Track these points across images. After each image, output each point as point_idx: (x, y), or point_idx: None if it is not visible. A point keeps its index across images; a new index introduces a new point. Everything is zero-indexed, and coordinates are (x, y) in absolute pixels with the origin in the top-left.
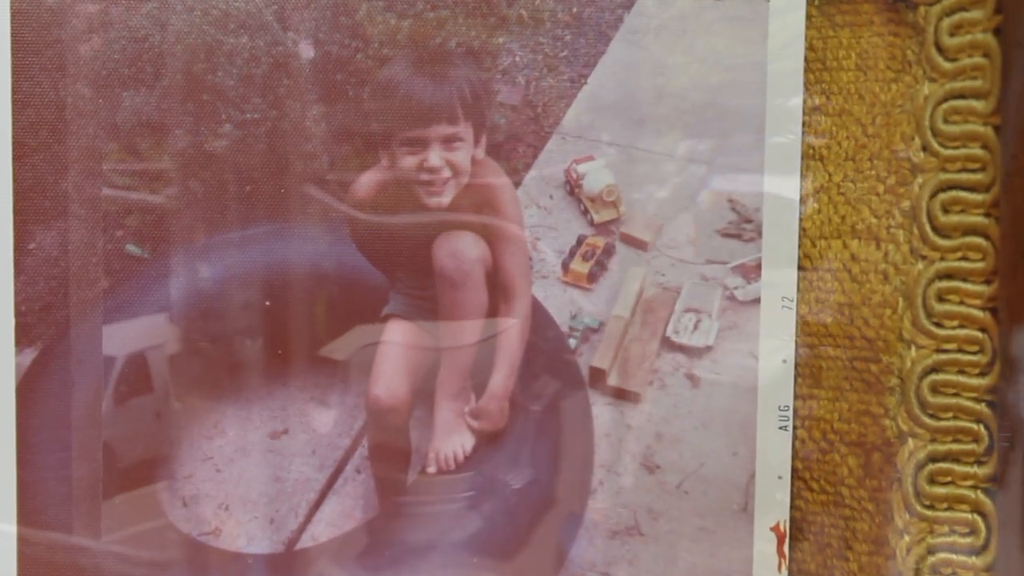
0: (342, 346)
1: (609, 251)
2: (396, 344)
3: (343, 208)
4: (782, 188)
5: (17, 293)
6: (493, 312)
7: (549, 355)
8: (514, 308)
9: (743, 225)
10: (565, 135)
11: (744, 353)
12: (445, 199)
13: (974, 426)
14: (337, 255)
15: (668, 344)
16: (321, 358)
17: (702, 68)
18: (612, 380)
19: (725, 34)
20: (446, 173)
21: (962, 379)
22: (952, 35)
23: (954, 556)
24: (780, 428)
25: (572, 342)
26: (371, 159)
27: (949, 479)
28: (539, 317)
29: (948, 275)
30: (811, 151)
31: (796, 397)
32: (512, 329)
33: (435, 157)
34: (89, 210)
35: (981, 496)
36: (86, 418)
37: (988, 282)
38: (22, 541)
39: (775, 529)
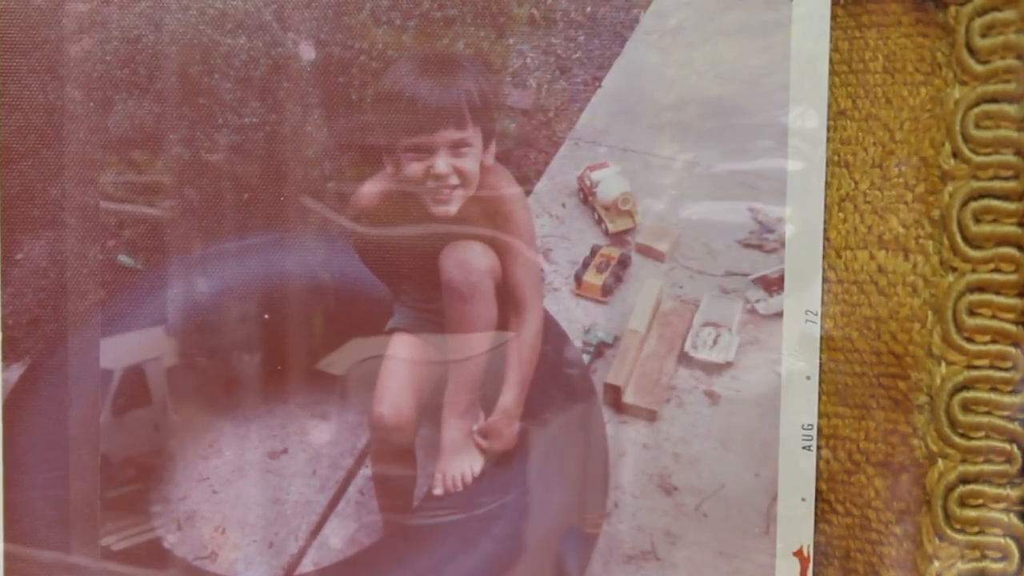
0: (343, 361)
1: (624, 262)
2: (401, 359)
3: (345, 219)
4: (806, 196)
5: (4, 306)
6: (503, 326)
7: (561, 371)
8: (525, 322)
9: (765, 235)
10: (578, 140)
11: (766, 369)
12: (452, 208)
13: (1007, 446)
14: (339, 266)
15: (686, 360)
16: (322, 374)
17: (723, 70)
18: (627, 397)
19: (747, 35)
20: (453, 180)
21: (994, 397)
22: (984, 36)
23: None
24: (804, 448)
25: (586, 357)
26: (375, 166)
27: (980, 501)
28: (551, 331)
29: (980, 288)
30: (836, 158)
31: (820, 415)
32: (523, 344)
33: (442, 164)
34: (80, 219)
35: (1014, 519)
36: (82, 436)
37: (1021, 295)
38: (9, 559)
39: (798, 554)
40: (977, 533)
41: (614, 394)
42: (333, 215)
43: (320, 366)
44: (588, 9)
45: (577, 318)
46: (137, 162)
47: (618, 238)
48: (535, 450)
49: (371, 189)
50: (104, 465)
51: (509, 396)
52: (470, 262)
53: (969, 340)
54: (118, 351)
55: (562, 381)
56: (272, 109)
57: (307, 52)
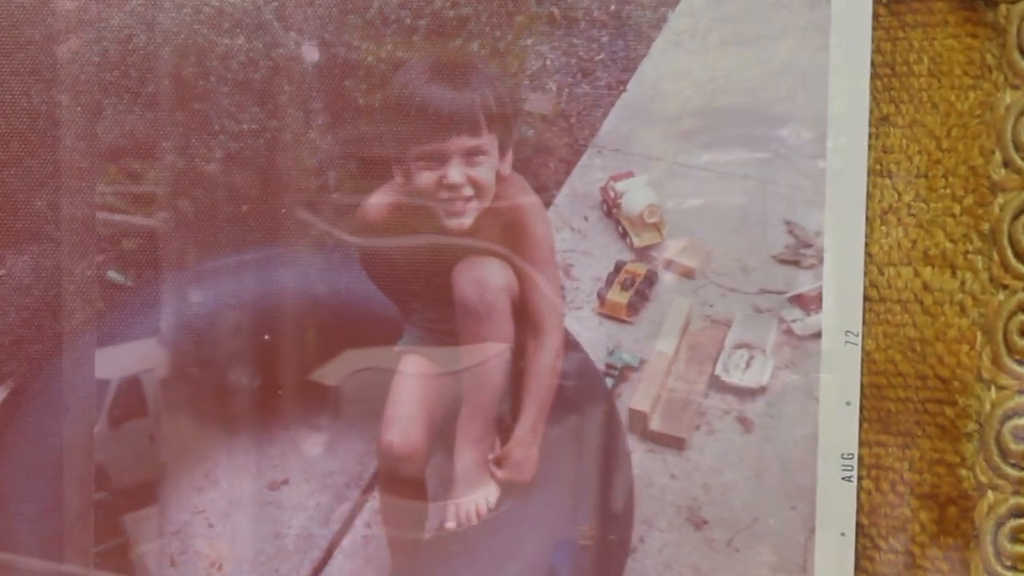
0: (350, 385)
1: (651, 279)
2: (411, 383)
3: (351, 232)
4: (846, 208)
5: None
6: (520, 348)
7: (583, 396)
8: (543, 343)
9: (802, 250)
10: (601, 148)
11: (803, 394)
12: (467, 220)
13: None
14: (345, 283)
15: (717, 384)
16: (327, 400)
17: (757, 73)
18: (654, 424)
19: (783, 36)
20: (468, 191)
21: None
22: None
23: None
24: (843, 479)
25: (609, 381)
26: (383, 176)
27: None
28: (572, 353)
29: None
30: (878, 167)
31: (861, 444)
32: (541, 367)
33: (455, 173)
34: (67, 232)
35: None
36: (74, 464)
37: None
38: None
39: None
40: None
41: (640, 421)
42: (337, 229)
43: (323, 384)
44: (612, 7)
45: (600, 339)
46: (129, 172)
47: (644, 253)
48: (554, 481)
49: (379, 201)
50: (100, 474)
51: (527, 422)
52: (485, 279)
53: (1021, 363)
54: (114, 361)
55: (584, 406)
56: (272, 115)
57: (310, 53)
